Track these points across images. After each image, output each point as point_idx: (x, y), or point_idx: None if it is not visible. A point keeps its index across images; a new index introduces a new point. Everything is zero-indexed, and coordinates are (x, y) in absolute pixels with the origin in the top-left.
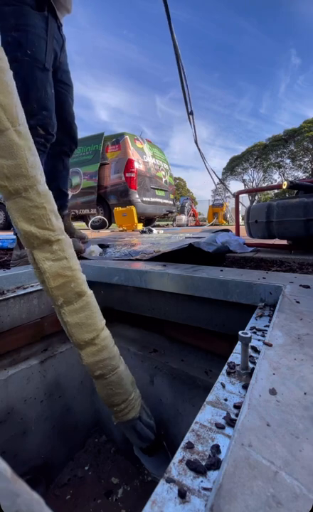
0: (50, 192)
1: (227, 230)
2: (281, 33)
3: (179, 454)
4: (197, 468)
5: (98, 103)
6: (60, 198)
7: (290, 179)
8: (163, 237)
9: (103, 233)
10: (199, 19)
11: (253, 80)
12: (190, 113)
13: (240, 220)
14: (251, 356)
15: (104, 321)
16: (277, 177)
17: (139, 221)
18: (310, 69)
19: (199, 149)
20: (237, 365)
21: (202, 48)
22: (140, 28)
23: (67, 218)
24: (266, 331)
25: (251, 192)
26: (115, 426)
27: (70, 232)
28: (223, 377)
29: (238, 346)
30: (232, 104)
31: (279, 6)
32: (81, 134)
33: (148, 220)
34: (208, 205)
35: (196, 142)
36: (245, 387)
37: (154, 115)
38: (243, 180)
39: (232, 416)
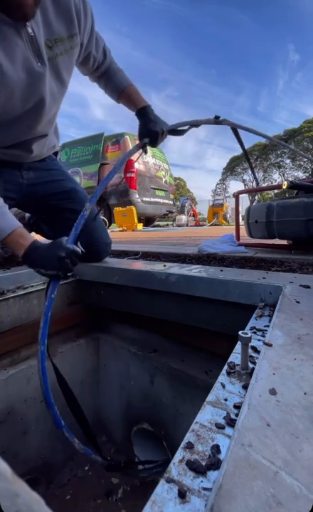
0: None
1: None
2: (279, 28)
3: (179, 454)
4: (197, 468)
5: (93, 101)
6: None
7: (290, 179)
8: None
9: None
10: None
11: (251, 76)
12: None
13: (240, 220)
14: (251, 356)
15: None
16: (277, 177)
17: (139, 221)
18: (309, 65)
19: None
20: (237, 365)
21: (200, 44)
22: (133, 21)
23: None
24: (266, 331)
25: (251, 192)
26: (115, 426)
27: None
28: (223, 377)
29: (238, 346)
30: (230, 101)
31: None
32: (78, 133)
33: (148, 220)
34: (208, 205)
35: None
36: (245, 387)
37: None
38: (243, 180)
39: (232, 416)
